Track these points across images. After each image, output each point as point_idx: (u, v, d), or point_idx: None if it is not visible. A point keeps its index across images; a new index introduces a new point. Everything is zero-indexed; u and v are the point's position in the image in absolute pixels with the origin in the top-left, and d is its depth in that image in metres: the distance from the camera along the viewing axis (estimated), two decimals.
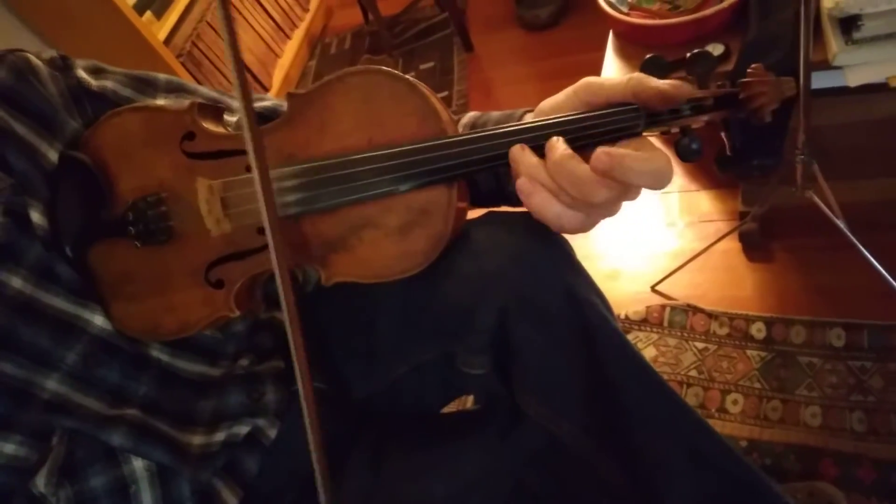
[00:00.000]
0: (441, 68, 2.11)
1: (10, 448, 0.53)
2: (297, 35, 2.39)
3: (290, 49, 2.33)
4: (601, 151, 0.45)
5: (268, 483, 0.66)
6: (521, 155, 0.49)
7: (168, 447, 0.58)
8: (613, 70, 1.16)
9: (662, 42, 1.11)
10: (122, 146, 0.58)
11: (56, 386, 0.54)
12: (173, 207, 0.57)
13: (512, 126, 0.51)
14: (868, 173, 1.18)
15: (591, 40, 1.50)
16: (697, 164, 1.41)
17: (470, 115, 0.62)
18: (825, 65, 0.94)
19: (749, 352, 1.12)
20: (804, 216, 1.12)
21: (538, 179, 0.48)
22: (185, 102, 0.58)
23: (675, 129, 0.51)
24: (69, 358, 0.55)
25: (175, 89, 0.67)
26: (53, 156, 0.57)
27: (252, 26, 2.16)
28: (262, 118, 0.62)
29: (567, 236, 0.56)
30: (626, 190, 0.47)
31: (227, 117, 0.63)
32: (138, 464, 0.58)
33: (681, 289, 1.26)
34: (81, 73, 0.63)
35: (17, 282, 0.53)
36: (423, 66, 2.15)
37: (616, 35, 1.20)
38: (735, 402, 1.08)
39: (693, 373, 1.14)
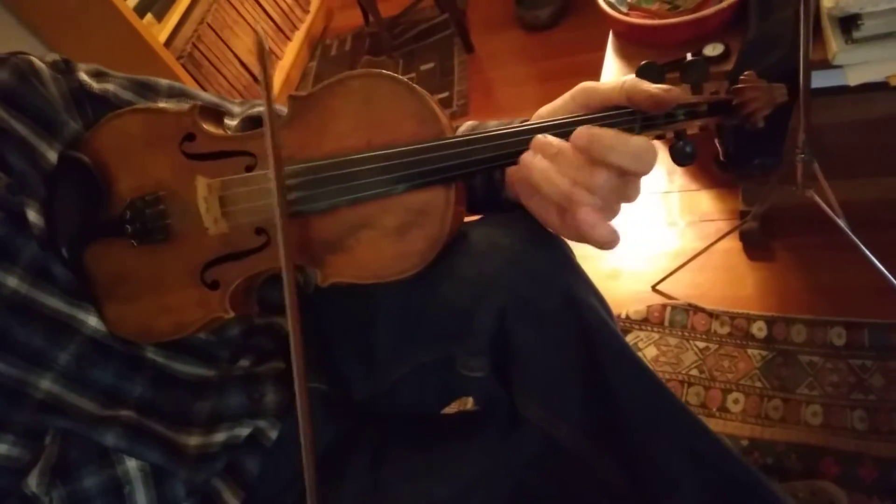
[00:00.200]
0: (441, 69, 2.11)
1: (2, 448, 0.53)
2: (298, 36, 2.39)
3: (291, 50, 2.33)
4: (582, 128, 0.45)
5: (269, 484, 0.66)
6: (534, 158, 0.48)
7: (163, 448, 0.58)
8: (613, 70, 1.16)
9: (662, 42, 1.11)
10: (122, 147, 0.59)
11: (50, 386, 0.55)
12: (171, 206, 0.57)
13: (509, 128, 0.51)
14: (868, 172, 1.18)
15: (591, 41, 1.50)
16: (698, 164, 1.41)
17: (467, 125, 0.62)
18: (825, 64, 0.94)
19: (750, 351, 1.12)
20: (805, 215, 1.11)
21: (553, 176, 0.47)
22: (186, 105, 0.58)
23: (670, 134, 0.52)
24: (62, 358, 0.55)
25: (177, 94, 0.67)
26: (53, 156, 0.57)
27: (252, 28, 2.16)
28: (258, 123, 0.62)
29: None
30: (623, 180, 0.46)
31: (227, 121, 0.63)
32: (132, 464, 0.58)
33: (682, 288, 1.26)
34: (83, 76, 0.63)
35: (12, 281, 0.54)
36: (423, 67, 2.15)
37: (616, 35, 1.20)
38: (736, 402, 1.08)
39: (694, 372, 1.14)
